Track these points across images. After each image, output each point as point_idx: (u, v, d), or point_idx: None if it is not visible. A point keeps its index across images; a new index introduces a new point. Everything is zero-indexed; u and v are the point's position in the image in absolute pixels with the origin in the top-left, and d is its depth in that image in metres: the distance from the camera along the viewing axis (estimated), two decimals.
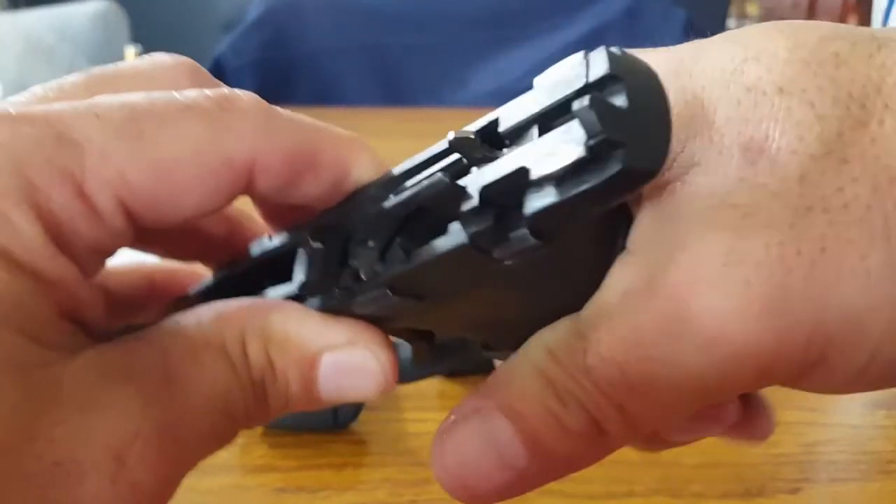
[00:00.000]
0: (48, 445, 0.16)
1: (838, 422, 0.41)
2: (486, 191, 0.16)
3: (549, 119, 0.17)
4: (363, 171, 0.20)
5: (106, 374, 0.18)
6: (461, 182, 0.17)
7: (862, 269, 0.16)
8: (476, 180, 0.17)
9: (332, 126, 0.21)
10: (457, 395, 0.41)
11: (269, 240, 0.22)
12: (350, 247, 0.20)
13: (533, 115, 0.17)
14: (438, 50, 1.42)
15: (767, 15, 2.80)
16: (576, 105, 0.15)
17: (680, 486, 0.36)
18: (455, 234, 0.17)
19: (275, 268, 0.22)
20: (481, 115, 0.18)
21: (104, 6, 1.59)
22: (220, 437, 0.19)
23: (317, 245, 0.20)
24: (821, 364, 0.17)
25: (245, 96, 0.19)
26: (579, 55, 0.16)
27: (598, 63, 0.15)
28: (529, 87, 0.17)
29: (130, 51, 1.50)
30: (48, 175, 0.17)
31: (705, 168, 0.17)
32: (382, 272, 0.19)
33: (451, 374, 0.43)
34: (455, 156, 0.18)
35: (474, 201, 0.17)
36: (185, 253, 0.25)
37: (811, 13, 2.62)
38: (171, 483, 0.18)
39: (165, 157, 0.18)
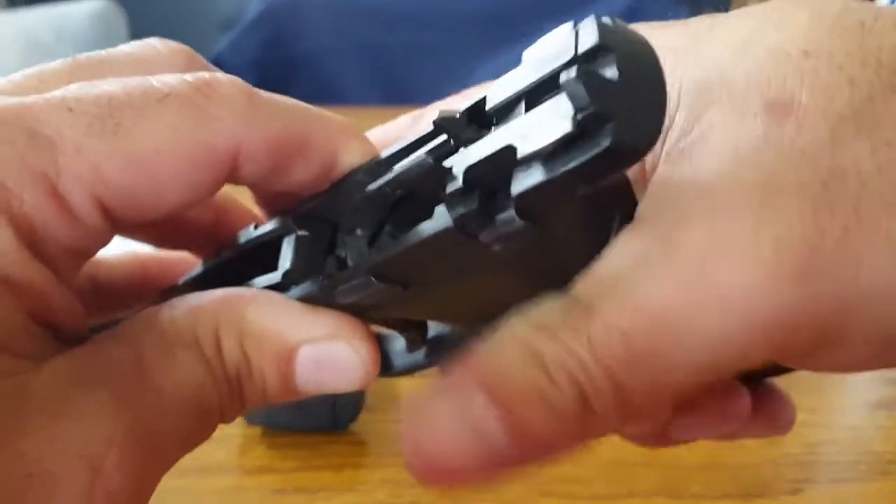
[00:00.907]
0: (17, 457, 0.16)
1: (839, 422, 0.41)
2: (471, 171, 0.16)
3: (537, 94, 0.16)
4: (352, 157, 0.20)
5: (77, 380, 0.17)
6: (447, 163, 0.16)
7: None
8: (461, 161, 0.16)
9: (320, 109, 0.20)
10: None
11: (255, 228, 0.22)
12: (338, 235, 0.20)
13: (520, 91, 0.16)
14: (438, 49, 1.41)
15: None
16: (563, 77, 0.14)
17: (680, 488, 0.36)
18: (440, 218, 0.16)
19: (264, 256, 0.21)
20: None
21: (103, 5, 1.59)
22: (196, 435, 0.19)
23: (302, 233, 0.20)
24: (841, 337, 0.16)
25: (227, 80, 0.18)
26: (568, 25, 0.15)
27: (588, 34, 0.15)
28: None
29: None
30: (20, 176, 0.16)
31: (726, 131, 0.17)
32: (367, 259, 0.18)
33: None
34: (443, 137, 0.17)
35: (459, 183, 0.16)
36: (172, 242, 0.24)
37: None
38: (148, 487, 0.18)
39: (143, 151, 0.17)
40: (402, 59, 1.42)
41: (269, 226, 0.21)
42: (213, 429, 0.19)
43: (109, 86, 0.18)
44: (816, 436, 0.40)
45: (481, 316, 0.21)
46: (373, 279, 0.18)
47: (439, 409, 0.18)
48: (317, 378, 0.19)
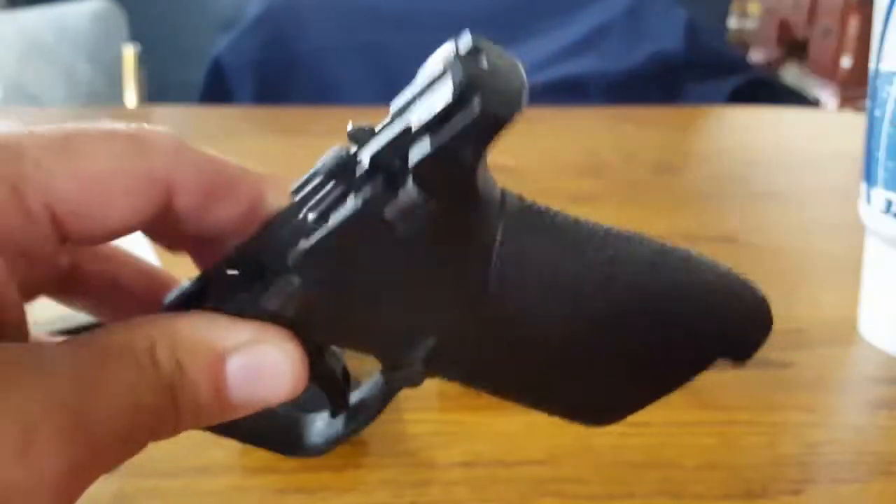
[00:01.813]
0: None
1: (839, 422, 0.41)
2: (376, 156, 0.19)
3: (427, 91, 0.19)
4: (279, 196, 0.22)
5: (16, 359, 0.18)
6: (358, 157, 0.19)
7: None
8: (367, 152, 0.19)
9: (243, 163, 0.22)
10: (457, 396, 0.41)
11: (187, 282, 0.23)
12: (266, 275, 0.21)
13: (416, 92, 0.19)
14: None
15: (768, 14, 2.79)
16: (446, 65, 0.18)
17: (680, 488, 0.36)
18: (349, 203, 0.19)
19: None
20: None
21: (103, 5, 1.59)
22: (132, 442, 0.20)
23: (231, 272, 0.21)
24: None
25: (162, 129, 0.21)
26: (449, 43, 0.19)
27: (465, 42, 0.18)
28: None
29: (129, 50, 1.50)
30: None
31: None
32: (289, 260, 0.20)
33: None
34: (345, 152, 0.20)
35: (364, 166, 0.19)
36: (105, 306, 0.26)
37: (812, 13, 2.61)
38: (80, 474, 0.18)
39: (92, 169, 0.20)
40: (403, 59, 1.42)
41: (197, 278, 0.22)
42: (149, 439, 0.20)
43: (63, 124, 0.21)
44: (817, 436, 0.40)
45: (405, 337, 0.22)
46: (297, 278, 0.20)
47: None
48: (248, 385, 0.21)
